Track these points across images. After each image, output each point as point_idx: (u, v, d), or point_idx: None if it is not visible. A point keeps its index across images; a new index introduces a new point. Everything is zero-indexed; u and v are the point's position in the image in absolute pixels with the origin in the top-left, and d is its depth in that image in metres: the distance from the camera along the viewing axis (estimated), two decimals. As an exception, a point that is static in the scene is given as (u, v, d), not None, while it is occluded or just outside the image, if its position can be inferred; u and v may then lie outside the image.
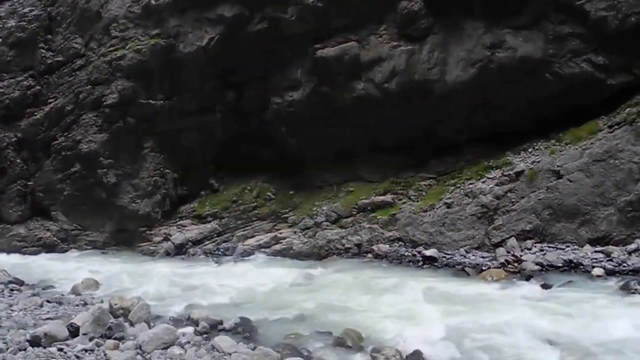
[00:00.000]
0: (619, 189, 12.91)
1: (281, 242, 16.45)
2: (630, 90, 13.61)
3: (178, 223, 18.33)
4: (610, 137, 13.33)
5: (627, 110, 13.42)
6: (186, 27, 17.57)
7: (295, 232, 16.48)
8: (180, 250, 17.33)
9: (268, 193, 17.76)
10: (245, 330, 9.43)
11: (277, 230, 16.90)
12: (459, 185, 14.93)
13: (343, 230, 15.77)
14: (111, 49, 18.74)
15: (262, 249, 16.43)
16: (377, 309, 10.33)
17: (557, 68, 14.13)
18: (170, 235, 17.79)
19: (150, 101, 18.16)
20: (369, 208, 15.81)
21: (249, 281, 13.06)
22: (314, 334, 9.19)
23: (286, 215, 17.17)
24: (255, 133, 17.77)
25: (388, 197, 15.76)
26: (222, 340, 8.31)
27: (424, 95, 15.24)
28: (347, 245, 15.37)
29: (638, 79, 13.51)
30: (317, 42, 16.01)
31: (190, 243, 17.43)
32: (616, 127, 13.42)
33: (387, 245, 14.80)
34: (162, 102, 18.15)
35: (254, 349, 8.05)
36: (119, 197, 18.70)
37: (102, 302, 10.48)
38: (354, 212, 16.00)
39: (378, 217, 15.47)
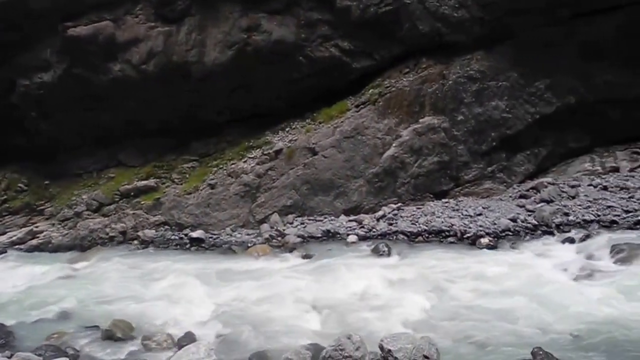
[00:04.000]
0: (366, 162, 14.32)
1: (38, 237, 15.30)
2: (372, 73, 15.04)
3: None
4: (357, 116, 14.65)
5: (370, 91, 14.84)
6: None
7: (53, 224, 15.45)
8: None
9: (19, 184, 16.27)
10: (-1, 337, 8.64)
11: (33, 223, 15.68)
12: (221, 166, 15.21)
13: (106, 218, 15.18)
14: None
15: (16, 246, 15.10)
16: (147, 296, 10.22)
17: (309, 52, 14.96)
18: None
19: None
20: (132, 194, 15.41)
21: (1, 282, 11.90)
22: (79, 330, 8.79)
23: (42, 207, 15.98)
24: (1, 118, 16.08)
25: (151, 182, 15.49)
26: (-30, 354, 7.52)
27: (183, 76, 15.11)
28: (111, 234, 14.83)
29: (378, 63, 14.93)
30: (68, 20, 14.87)
31: None
32: (362, 106, 14.79)
33: (153, 231, 14.59)
34: None
35: (10, 357, 7.42)
36: None
37: None
38: (117, 199, 15.48)
39: (142, 202, 15.16)
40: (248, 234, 13.99)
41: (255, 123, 15.49)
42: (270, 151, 14.88)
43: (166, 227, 14.75)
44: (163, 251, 13.81)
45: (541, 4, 13.61)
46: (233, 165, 15.07)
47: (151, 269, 11.97)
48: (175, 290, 10.37)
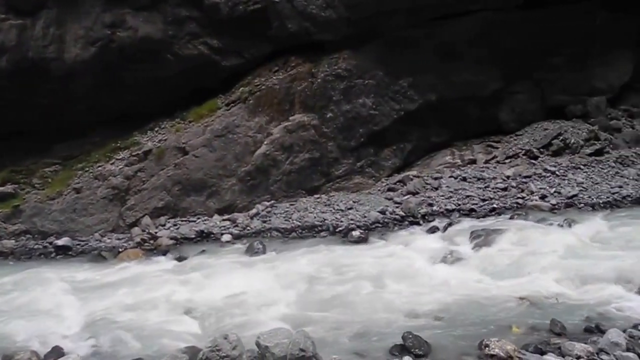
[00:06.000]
0: (238, 160, 14.34)
1: None
2: (243, 71, 15.05)
3: None
4: (228, 114, 14.64)
5: (241, 89, 14.87)
6: None
7: None
8: None
9: None
10: None
11: None
12: (87, 169, 14.55)
13: (-44, 230, 14.00)
14: None
15: None
16: (5, 312, 9.46)
17: (177, 49, 14.66)
18: None
19: None
20: (-13, 201, 14.34)
21: None
22: None
23: None
24: None
25: (8, 188, 14.44)
26: None
27: (41, 74, 14.22)
28: (-37, 247, 13.70)
29: (248, 61, 14.96)
30: None
31: None
32: (232, 105, 14.79)
33: (13, 241, 13.61)
34: None
35: None
36: None
37: None
38: (-31, 208, 14.32)
39: (-1, 210, 14.15)
40: (118, 239, 13.49)
41: (123, 123, 14.92)
42: (139, 152, 14.45)
43: (28, 236, 13.82)
44: (25, 262, 12.88)
45: (404, 6, 14.29)
46: (100, 168, 14.45)
47: (11, 282, 11.05)
48: (39, 303, 9.72)
